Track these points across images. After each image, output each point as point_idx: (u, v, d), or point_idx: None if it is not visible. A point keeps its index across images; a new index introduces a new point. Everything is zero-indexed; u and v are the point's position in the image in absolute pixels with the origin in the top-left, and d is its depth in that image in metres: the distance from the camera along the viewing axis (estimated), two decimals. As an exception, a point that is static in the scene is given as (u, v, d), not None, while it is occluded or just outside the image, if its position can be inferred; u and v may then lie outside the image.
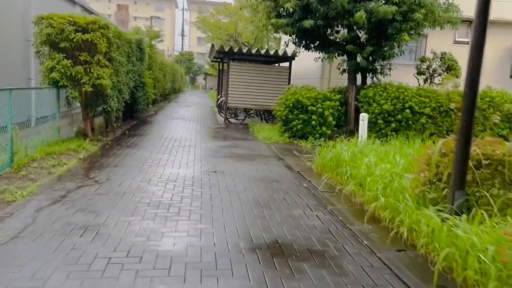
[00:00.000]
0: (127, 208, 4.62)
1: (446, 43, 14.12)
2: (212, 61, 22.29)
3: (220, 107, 15.93)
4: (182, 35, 62.59)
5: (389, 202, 4.56)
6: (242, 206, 4.88)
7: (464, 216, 3.76)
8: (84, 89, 8.33)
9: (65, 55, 8.23)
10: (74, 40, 8.14)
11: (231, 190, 5.55)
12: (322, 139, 10.53)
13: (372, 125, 10.76)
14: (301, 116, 10.51)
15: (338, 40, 11.58)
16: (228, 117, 14.23)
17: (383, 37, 10.56)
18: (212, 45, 13.77)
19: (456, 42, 14.60)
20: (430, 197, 4.33)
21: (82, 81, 8.32)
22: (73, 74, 8.21)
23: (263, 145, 9.83)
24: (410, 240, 4.11)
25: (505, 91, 11.10)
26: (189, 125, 13.02)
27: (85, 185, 5.49)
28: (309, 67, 14.96)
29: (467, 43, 14.77)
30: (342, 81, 13.09)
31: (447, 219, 3.89)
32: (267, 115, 14.45)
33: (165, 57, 28.18)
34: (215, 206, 4.84)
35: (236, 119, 14.52)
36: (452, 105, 9.98)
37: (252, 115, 14.67)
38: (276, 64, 15.44)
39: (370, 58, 11.12)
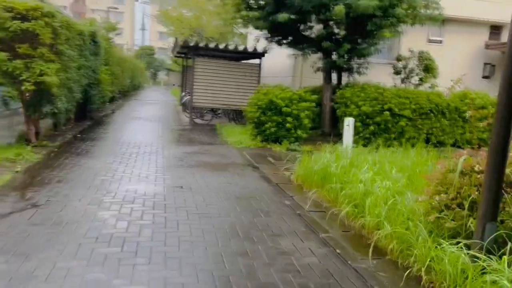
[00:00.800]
0: (68, 246, 3.55)
1: (420, 41, 13.68)
2: (175, 56, 21.05)
3: (184, 106, 14.82)
4: (143, 29, 60.30)
5: (397, 230, 3.76)
6: (218, 238, 3.93)
7: (504, 257, 3.00)
8: (23, 87, 7.07)
9: (0, 47, 6.97)
10: (11, 29, 6.87)
11: (202, 214, 4.57)
12: (297, 143, 9.71)
13: (349, 128, 10.04)
14: (274, 118, 9.63)
15: (313, 36, 10.80)
16: (193, 117, 13.16)
17: (361, 33, 9.87)
18: (176, 40, 12.67)
19: (430, 41, 14.21)
20: (449, 226, 3.56)
21: (21, 78, 7.06)
22: (10, 70, 6.94)
23: (234, 151, 8.89)
24: (429, 282, 3.31)
25: (485, 93, 10.70)
26: (150, 127, 11.86)
27: (16, 211, 4.35)
28: (280, 65, 14.13)
29: (440, 42, 14.44)
30: (315, 80, 12.33)
31: (477, 258, 3.12)
32: (236, 115, 13.49)
33: (124, 51, 26.56)
34: (183, 239, 3.86)
35: (202, 120, 13.47)
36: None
37: (219, 115, 13.67)
38: (245, 61, 14.50)
39: (346, 56, 10.40)
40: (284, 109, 9.55)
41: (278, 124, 9.68)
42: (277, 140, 9.80)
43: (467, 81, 13.52)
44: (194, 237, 3.91)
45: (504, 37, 14.98)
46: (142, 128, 11.41)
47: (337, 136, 10.91)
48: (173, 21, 29.00)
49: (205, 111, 13.54)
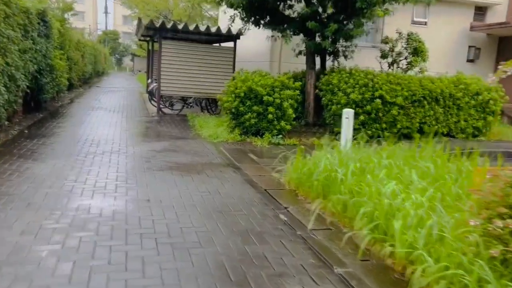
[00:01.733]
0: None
1: (404, 23, 12.81)
2: (140, 40, 19.44)
3: (151, 94, 13.47)
4: (106, 12, 57.30)
5: (450, 271, 2.78)
6: (200, 287, 2.83)
7: None
8: None
9: None
10: None
11: (176, 244, 3.45)
12: (281, 136, 8.67)
13: (337, 118, 9.07)
14: (255, 108, 8.53)
15: (294, 16, 9.70)
16: (161, 107, 11.86)
17: (349, 12, 8.84)
18: (139, 20, 11.26)
19: (414, 22, 13.38)
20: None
21: None
22: None
23: (210, 147, 7.75)
24: None
25: (478, 77, 9.95)
26: (112, 118, 10.50)
27: None
28: (257, 49, 12.96)
29: (425, 23, 13.65)
30: (296, 65, 11.28)
31: None
32: (209, 104, 12.29)
33: (84, 35, 24.60)
34: (152, 290, 2.75)
35: (172, 110, 12.19)
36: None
37: (191, 104, 12.42)
38: (218, 44, 13.24)
39: (332, 37, 9.36)
40: (265, 98, 8.46)
41: (258, 115, 8.59)
42: (258, 133, 8.72)
43: (451, 65, 12.84)
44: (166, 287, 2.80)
45: (489, 19, 14.36)
46: (104, 120, 10.05)
47: (322, 126, 9.97)
48: (137, 3, 27.13)
49: (174, 100, 12.25)
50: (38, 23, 9.57)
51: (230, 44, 12.14)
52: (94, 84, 24.10)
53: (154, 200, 4.50)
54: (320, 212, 4.25)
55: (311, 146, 8.59)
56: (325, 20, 9.12)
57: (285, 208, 4.58)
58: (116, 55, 56.62)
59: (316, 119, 10.04)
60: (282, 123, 8.64)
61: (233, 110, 8.75)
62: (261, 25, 10.06)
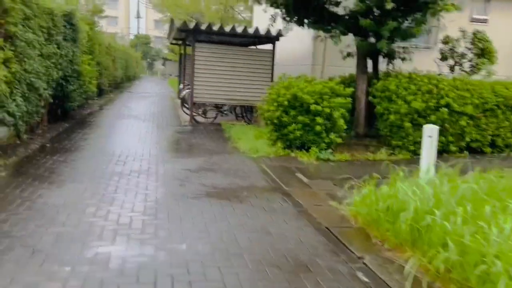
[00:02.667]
0: None
1: (462, 21, 11.43)
2: (171, 43, 18.78)
3: (183, 100, 12.62)
4: (138, 17, 57.63)
5: None
6: None
7: None
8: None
9: None
10: None
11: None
12: (330, 150, 7.57)
13: (395, 129, 7.91)
14: (300, 118, 7.47)
15: (342, 13, 8.58)
16: (194, 115, 10.98)
17: (411, 7, 7.66)
18: (172, 21, 10.41)
19: (473, 20, 11.96)
20: None
21: None
22: None
23: (250, 163, 6.74)
24: None
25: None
26: (142, 128, 9.68)
27: None
28: (297, 51, 11.90)
29: (485, 21, 12.20)
30: (341, 68, 10.16)
31: None
32: (245, 112, 11.32)
33: (116, 39, 24.24)
34: None
35: (205, 118, 11.29)
36: None
37: (225, 112, 11.47)
38: (255, 47, 12.27)
39: (389, 37, 8.17)
40: (313, 106, 7.38)
41: (304, 126, 7.52)
42: (303, 147, 7.66)
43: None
44: None
45: (560, 15, 12.73)
46: (133, 131, 9.23)
47: (374, 138, 8.78)
48: (168, 6, 26.62)
49: (208, 108, 11.35)
50: (64, 26, 8.86)
51: (268, 46, 11.14)
52: (125, 89, 23.67)
53: (190, 247, 3.51)
54: (418, 273, 3.13)
55: (365, 162, 7.46)
56: (381, 17, 7.96)
57: (360, 258, 3.49)
58: (148, 60, 56.81)
59: (367, 129, 8.86)
60: (332, 135, 7.53)
61: (275, 121, 7.73)
62: (305, 25, 9.00)
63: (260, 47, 11.95)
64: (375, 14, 8.04)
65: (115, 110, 13.26)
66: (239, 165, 6.63)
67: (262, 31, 10.31)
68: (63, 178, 5.32)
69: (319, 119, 7.38)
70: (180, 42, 17.60)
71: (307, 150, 7.58)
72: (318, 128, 7.39)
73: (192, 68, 10.48)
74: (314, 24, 8.65)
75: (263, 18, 10.09)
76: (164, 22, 31.01)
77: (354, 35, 8.60)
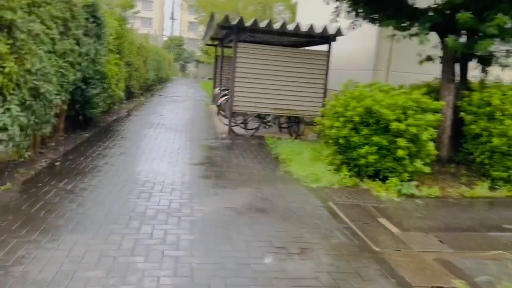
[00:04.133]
0: None
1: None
2: (207, 45, 17.36)
3: (220, 108, 11.10)
4: (172, 18, 57.08)
5: None
6: None
7: None
8: None
9: None
10: None
11: None
12: (415, 182, 5.81)
13: (498, 156, 6.07)
14: (375, 139, 5.75)
15: (428, 6, 6.81)
16: (233, 125, 9.41)
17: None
18: (211, 17, 8.90)
19: None
20: None
21: None
22: None
23: (313, 200, 5.07)
24: None
25: None
26: (174, 142, 8.17)
27: None
28: (354, 53, 10.16)
29: None
30: (408, 75, 8.49)
31: None
32: (291, 124, 9.66)
33: (149, 40, 23.12)
34: None
35: (246, 130, 9.70)
36: None
37: (269, 124, 9.84)
38: (307, 48, 10.61)
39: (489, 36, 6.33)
40: (394, 125, 5.63)
41: (380, 149, 5.79)
42: (377, 175, 5.93)
43: None
44: None
45: None
46: (162, 146, 7.73)
47: (462, 165, 6.95)
48: (205, 5, 25.37)
49: (249, 118, 9.75)
50: (86, 19, 7.49)
51: (322, 47, 9.47)
52: (157, 92, 22.47)
53: None
54: None
55: (461, 200, 5.66)
56: (481, 10, 6.13)
57: None
58: (180, 62, 56.13)
59: (452, 152, 7.03)
60: (417, 162, 5.75)
61: (340, 141, 6.04)
62: (375, 21, 7.28)
63: (312, 48, 10.27)
64: (472, 6, 6.22)
65: (144, 116, 11.88)
66: (298, 202, 4.97)
67: (319, 29, 8.63)
68: (62, 224, 3.81)
69: (401, 141, 5.62)
70: (216, 42, 16.17)
71: (383, 180, 5.85)
72: (400, 153, 5.63)
73: (233, 72, 8.92)
74: (388, 20, 6.88)
75: (307, 18, 8.50)
76: (200, 22, 29.80)
77: (440, 34, 6.83)
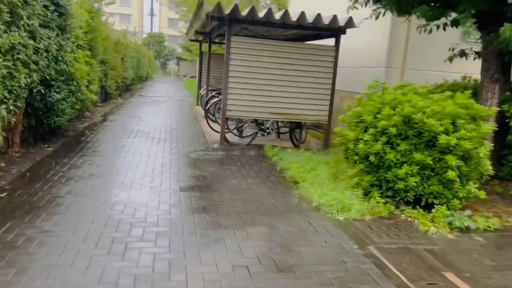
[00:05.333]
0: None
1: None
2: (191, 40, 15.89)
3: (208, 112, 9.73)
4: (151, 14, 55.03)
5: None
6: None
7: None
8: None
9: None
10: None
11: None
12: (468, 212, 4.58)
13: None
14: (417, 156, 4.49)
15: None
16: (225, 131, 8.05)
17: None
18: (200, 5, 7.54)
19: None
20: None
21: None
22: None
23: (345, 241, 3.77)
24: None
25: None
26: (155, 156, 6.78)
27: None
28: (363, 49, 8.92)
29: None
30: (427, 73, 7.35)
31: None
32: (293, 131, 8.36)
33: (127, 36, 21.43)
34: None
35: (241, 138, 8.37)
36: None
37: (268, 131, 8.52)
38: (312, 42, 9.31)
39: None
40: (441, 138, 4.38)
41: (422, 169, 4.54)
42: (418, 201, 4.68)
43: None
44: None
45: None
46: (141, 164, 6.32)
47: (506, 181, 5.80)
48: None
49: (245, 124, 8.41)
50: (45, 6, 6.02)
51: (327, 41, 8.19)
52: (137, 91, 20.90)
53: None
54: None
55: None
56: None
57: None
58: (161, 59, 54.29)
59: (497, 167, 5.84)
60: (471, 186, 4.52)
61: (371, 158, 4.76)
62: (404, 11, 6.02)
63: (316, 42, 8.98)
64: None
65: (121, 121, 10.41)
66: (331, 248, 3.67)
67: (327, 20, 7.33)
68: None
69: (451, 159, 4.38)
70: (201, 38, 14.77)
71: (426, 208, 4.61)
72: (450, 174, 4.39)
73: (226, 71, 7.56)
74: (422, 7, 5.62)
75: (299, 9, 7.23)
76: (182, 17, 28.18)
77: (482, 22, 5.61)
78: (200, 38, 14.72)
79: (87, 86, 8.45)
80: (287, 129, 9.18)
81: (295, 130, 8.36)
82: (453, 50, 6.27)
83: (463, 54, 6.24)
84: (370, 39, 8.61)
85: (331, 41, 8.08)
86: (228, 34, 7.51)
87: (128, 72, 18.02)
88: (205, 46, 15.78)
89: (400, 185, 4.58)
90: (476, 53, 6.12)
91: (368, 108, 4.96)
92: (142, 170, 5.81)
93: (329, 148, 8.09)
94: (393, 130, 4.60)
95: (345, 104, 5.55)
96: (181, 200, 4.66)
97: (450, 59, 6.41)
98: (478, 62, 6.00)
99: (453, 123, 4.51)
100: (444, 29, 5.77)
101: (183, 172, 5.89)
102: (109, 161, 6.26)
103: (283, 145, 8.15)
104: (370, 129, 4.82)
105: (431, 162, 4.48)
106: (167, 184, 5.23)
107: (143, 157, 6.62)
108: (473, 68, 6.69)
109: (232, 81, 7.59)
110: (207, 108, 9.46)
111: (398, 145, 4.64)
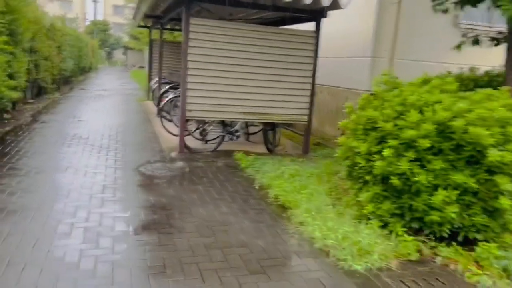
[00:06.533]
0: None
1: None
2: (139, 26, 14.04)
3: (161, 110, 8.17)
4: (95, 1, 51.35)
5: None
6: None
7: None
8: None
9: None
10: None
11: None
12: (521, 249, 3.45)
13: None
14: (456, 177, 3.30)
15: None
16: (185, 134, 6.55)
17: None
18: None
19: None
20: None
21: None
22: None
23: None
24: None
25: None
26: (95, 174, 5.19)
27: None
28: (344, 35, 7.71)
29: None
30: (421, 64, 6.27)
31: None
32: (267, 132, 7.02)
33: (65, 22, 18.97)
34: None
35: (204, 141, 6.91)
36: None
37: (237, 134, 7.10)
38: (287, 27, 7.95)
39: None
40: (491, 153, 3.21)
41: (462, 193, 3.36)
42: (453, 235, 3.51)
43: None
44: None
45: None
46: (75, 188, 4.73)
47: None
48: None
49: (209, 126, 6.95)
50: None
51: (309, 26, 6.90)
52: (78, 84, 18.67)
53: None
54: None
55: None
56: None
57: None
58: (106, 48, 50.92)
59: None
60: (526, 215, 3.41)
61: (394, 181, 3.51)
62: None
63: (295, 26, 7.65)
64: None
65: (56, 123, 8.60)
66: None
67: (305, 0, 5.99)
68: None
69: (503, 181, 3.23)
70: (150, 24, 13.03)
71: (465, 244, 3.46)
72: (502, 202, 3.24)
73: (184, 62, 6.06)
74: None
75: None
76: (127, 1, 25.87)
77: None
78: (150, 23, 12.96)
79: (3, 82, 6.62)
80: (257, 129, 7.86)
81: (268, 132, 7.03)
82: (465, 36, 5.17)
83: (476, 41, 5.16)
84: (353, 24, 7.42)
85: (308, 26, 6.80)
86: (186, 15, 5.99)
87: (66, 62, 15.83)
88: (155, 33, 14.04)
89: (434, 216, 3.39)
90: (494, 39, 5.06)
91: (387, 112, 3.70)
92: (75, 199, 4.23)
93: (310, 153, 6.86)
94: (425, 143, 3.38)
95: (346, 104, 4.27)
96: (129, 252, 3.19)
97: (458, 47, 5.32)
98: (482, 52, 4.98)
99: (504, 134, 3.36)
100: (475, 6, 4.62)
101: (132, 199, 4.38)
102: (30, 184, 4.61)
103: (255, 150, 6.82)
104: (389, 141, 3.57)
105: (475, 185, 3.30)
106: (110, 222, 3.71)
107: (78, 176, 5.01)
108: (474, 59, 5.73)
109: (192, 74, 6.11)
110: (160, 106, 7.89)
111: (429, 162, 3.43)
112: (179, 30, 13.49)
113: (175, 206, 4.22)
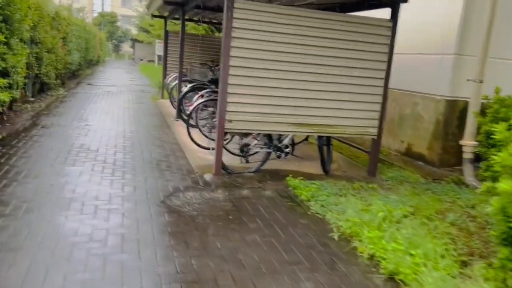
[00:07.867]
0: None
1: None
2: (154, 16, 12.53)
3: (189, 117, 6.69)
4: (102, -9, 49.88)
5: None
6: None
7: None
8: None
9: None
10: None
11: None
12: None
13: None
14: None
15: None
16: (222, 151, 5.09)
17: None
18: None
19: None
20: None
21: None
22: None
23: None
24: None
25: None
26: (107, 212, 3.76)
27: None
28: (420, 28, 6.20)
29: None
30: None
31: None
32: (323, 149, 5.54)
33: (72, 11, 17.52)
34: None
35: (245, 159, 5.44)
36: None
37: (287, 150, 5.59)
38: (356, 14, 6.45)
39: None
40: None
41: None
42: None
43: None
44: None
45: None
46: (80, 243, 3.32)
47: None
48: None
49: (253, 141, 5.48)
50: None
51: (383, 13, 5.41)
52: (85, 79, 17.29)
53: None
54: None
55: None
56: None
57: None
58: (114, 41, 49.57)
59: None
60: None
61: None
62: None
63: (365, 13, 6.15)
64: None
65: (59, 128, 7.19)
66: None
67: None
68: None
69: None
70: (166, 14, 11.59)
71: None
72: None
73: (225, 60, 4.59)
74: None
75: None
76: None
77: None
78: (166, 13, 11.50)
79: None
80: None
81: (323, 148, 5.56)
82: None
83: None
84: (428, 10, 5.91)
85: (379, 13, 5.32)
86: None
87: (72, 55, 14.42)
88: (172, 25, 12.61)
89: None
90: None
91: None
92: (81, 265, 2.79)
93: (377, 175, 5.40)
94: None
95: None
96: None
97: None
98: None
99: None
100: None
101: (165, 263, 2.93)
102: (15, 234, 3.17)
103: (306, 170, 5.40)
104: None
105: None
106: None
107: (84, 218, 3.57)
108: None
109: (234, 74, 4.66)
110: (188, 113, 6.44)
111: None
112: (204, 22, 12.01)
113: (231, 277, 2.77)
